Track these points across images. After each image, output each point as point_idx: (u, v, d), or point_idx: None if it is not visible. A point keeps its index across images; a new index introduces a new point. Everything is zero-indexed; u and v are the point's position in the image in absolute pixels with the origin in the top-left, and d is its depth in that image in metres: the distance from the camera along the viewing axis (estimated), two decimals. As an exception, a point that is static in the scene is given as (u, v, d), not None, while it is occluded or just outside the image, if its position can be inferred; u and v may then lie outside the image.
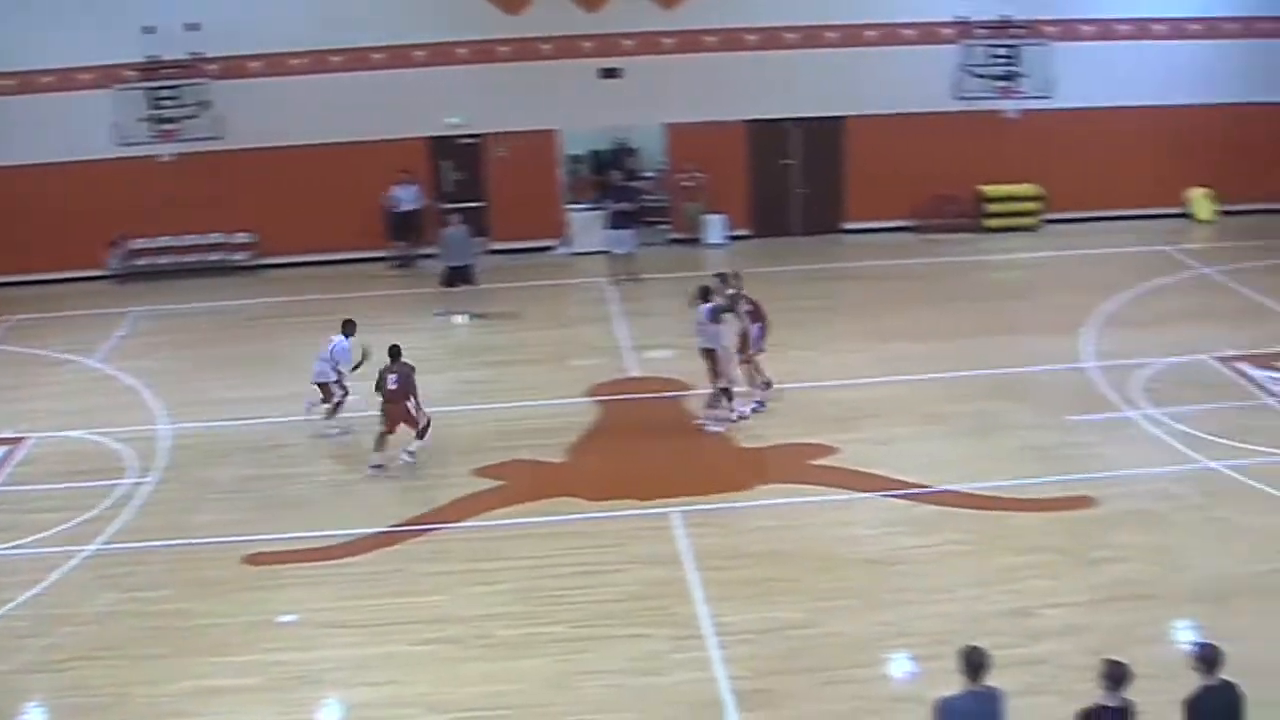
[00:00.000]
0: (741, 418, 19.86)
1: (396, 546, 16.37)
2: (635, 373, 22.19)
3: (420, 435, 18.61)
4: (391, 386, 18.32)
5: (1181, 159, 30.44)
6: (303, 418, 20.06)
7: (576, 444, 19.34)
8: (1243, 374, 21.47)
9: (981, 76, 28.50)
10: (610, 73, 28.13)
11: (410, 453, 18.52)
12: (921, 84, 28.74)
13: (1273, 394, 20.69)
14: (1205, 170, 30.68)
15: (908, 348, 22.66)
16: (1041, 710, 11.60)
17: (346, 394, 19.71)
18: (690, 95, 28.49)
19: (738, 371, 20.01)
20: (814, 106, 28.98)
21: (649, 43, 28.21)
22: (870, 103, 28.92)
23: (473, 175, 28.94)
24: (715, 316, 19.49)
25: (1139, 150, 30.15)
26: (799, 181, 29.69)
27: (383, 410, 18.53)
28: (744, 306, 20.16)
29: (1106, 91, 29.62)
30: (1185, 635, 14.36)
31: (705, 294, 19.67)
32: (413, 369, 18.55)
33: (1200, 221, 30.80)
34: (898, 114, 28.98)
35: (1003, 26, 28.52)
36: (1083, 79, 29.01)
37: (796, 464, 18.40)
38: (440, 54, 27.73)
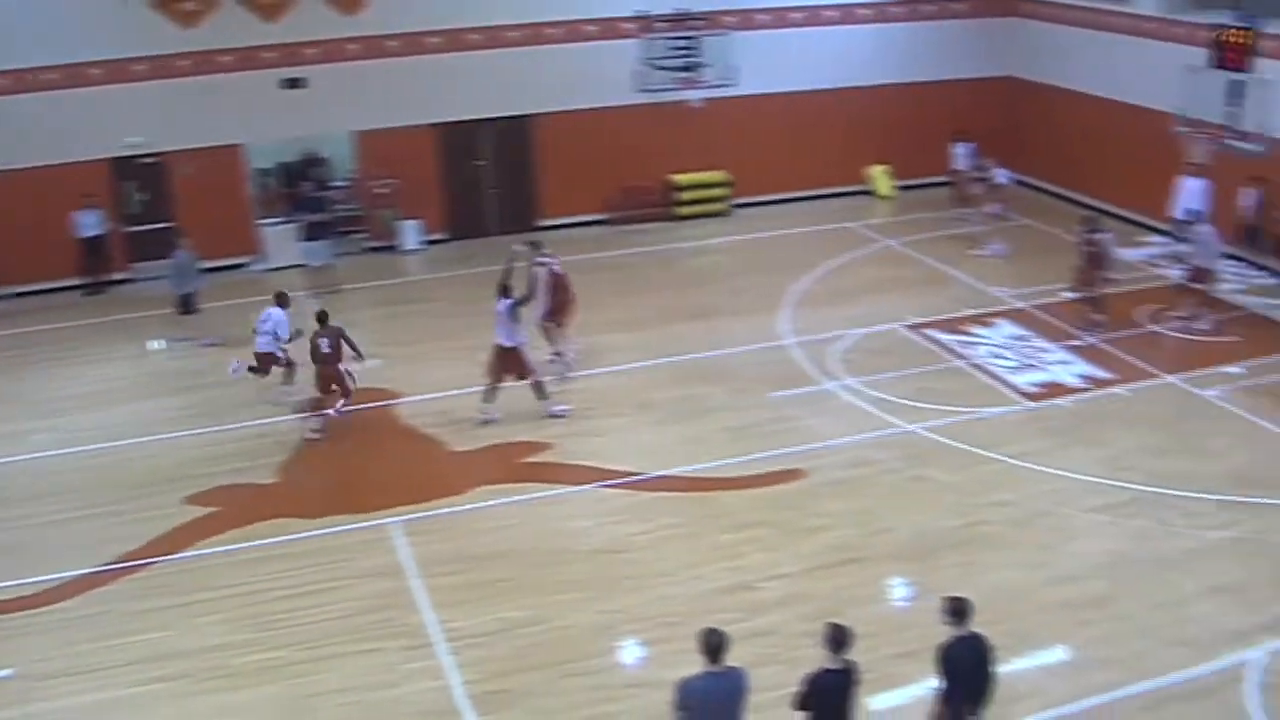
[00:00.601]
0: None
1: (112, 585, 15.73)
2: (344, 385, 21.89)
3: (346, 395, 19.81)
4: (325, 350, 19.34)
5: (860, 138, 31.83)
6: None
7: (288, 462, 19.00)
8: (930, 339, 22.58)
9: (664, 69, 29.04)
10: (294, 83, 27.60)
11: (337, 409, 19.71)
12: (606, 79, 29.12)
13: (960, 356, 21.81)
14: (882, 148, 32.15)
15: (612, 339, 22.99)
16: (770, 679, 11.94)
17: (291, 363, 20.76)
18: (377, 101, 28.18)
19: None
20: (501, 106, 29.03)
21: (332, 50, 27.79)
22: (557, 99, 29.18)
23: (159, 195, 28.01)
24: (514, 312, 19.49)
25: (819, 132, 31.36)
26: (492, 182, 29.73)
27: (316, 374, 19.56)
28: (546, 278, 20.86)
29: (785, 77, 30.68)
30: (898, 593, 15.14)
31: (505, 290, 19.63)
32: (342, 330, 19.60)
33: (880, 197, 32.20)
34: (585, 109, 29.36)
35: (682, 19, 29.15)
36: (762, 66, 29.96)
37: (512, 463, 18.50)
38: (117, 71, 26.69)
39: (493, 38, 28.52)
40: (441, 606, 14.86)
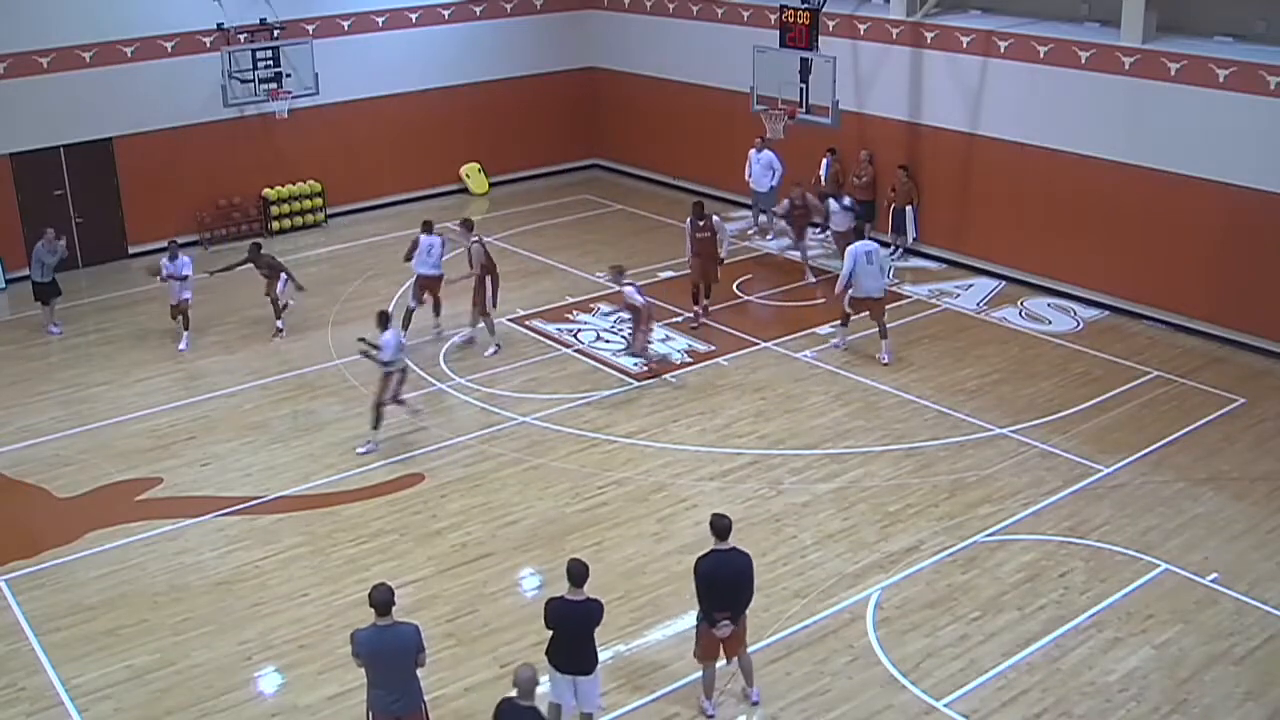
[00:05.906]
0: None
1: None
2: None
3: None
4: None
5: (451, 138, 32.03)
6: None
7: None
8: (536, 330, 23.01)
9: (247, 81, 28.32)
10: None
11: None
12: (189, 95, 28.17)
13: (566, 344, 22.30)
14: (474, 146, 32.48)
15: (213, 362, 22.34)
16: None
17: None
18: (-63, 135, 26.47)
19: None
20: (79, 131, 27.63)
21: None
22: (138, 120, 27.98)
23: None
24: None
25: (411, 134, 31.40)
26: (75, 211, 28.28)
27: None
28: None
29: (372, 82, 30.58)
30: (530, 583, 15.44)
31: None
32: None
33: (476, 195, 32.48)
34: (170, 128, 28.34)
35: (262, 30, 28.55)
36: (348, 73, 29.75)
37: (123, 503, 17.67)
38: None
39: (63, 59, 27.02)
40: (63, 663, 14.11)
